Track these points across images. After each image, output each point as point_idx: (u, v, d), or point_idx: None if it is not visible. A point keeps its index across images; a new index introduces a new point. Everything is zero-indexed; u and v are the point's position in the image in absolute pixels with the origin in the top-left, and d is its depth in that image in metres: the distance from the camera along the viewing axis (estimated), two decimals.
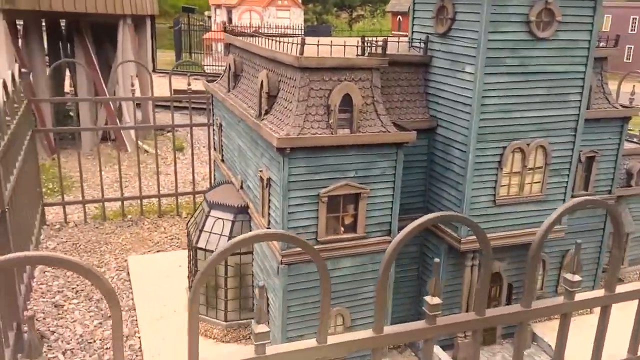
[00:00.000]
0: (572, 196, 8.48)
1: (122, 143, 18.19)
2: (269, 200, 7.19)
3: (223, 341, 8.44)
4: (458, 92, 7.45)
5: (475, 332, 3.25)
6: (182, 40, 39.08)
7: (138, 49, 20.22)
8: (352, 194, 6.98)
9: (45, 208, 12.63)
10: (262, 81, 7.46)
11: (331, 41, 7.17)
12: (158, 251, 11.31)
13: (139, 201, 13.09)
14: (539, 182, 7.71)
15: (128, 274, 10.31)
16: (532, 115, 7.46)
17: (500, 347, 8.20)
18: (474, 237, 7.42)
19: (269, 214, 7.24)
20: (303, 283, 6.96)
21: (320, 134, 6.71)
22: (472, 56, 7.18)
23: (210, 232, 8.24)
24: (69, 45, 21.05)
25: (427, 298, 2.99)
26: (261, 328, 2.55)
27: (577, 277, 3.24)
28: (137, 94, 18.76)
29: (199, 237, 8.30)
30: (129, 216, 12.94)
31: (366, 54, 7.39)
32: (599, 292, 3.50)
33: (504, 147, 7.37)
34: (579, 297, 3.31)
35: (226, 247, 2.38)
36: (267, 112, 7.35)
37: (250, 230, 8.13)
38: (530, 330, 8.33)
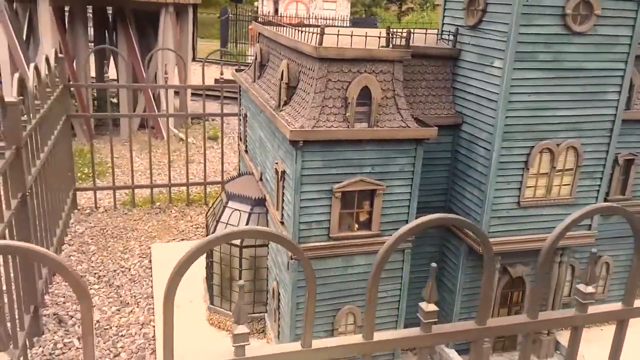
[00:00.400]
0: (606, 200, 8.05)
1: (158, 130, 18.37)
2: (283, 194, 7.02)
3: None
4: (485, 88, 7.11)
5: (477, 343, 3.01)
6: (228, 30, 39.27)
7: (179, 37, 20.36)
8: (367, 190, 6.75)
9: (78, 193, 12.81)
10: (282, 71, 7.29)
11: (352, 32, 6.93)
12: (182, 239, 11.32)
13: (168, 189, 13.15)
14: (568, 184, 7.30)
15: (150, 261, 10.35)
16: (564, 114, 7.05)
17: None
18: (496, 239, 7.11)
19: (282, 207, 7.08)
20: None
21: (336, 127, 6.49)
22: (501, 50, 6.82)
23: (227, 223, 8.15)
24: (114, 33, 21.39)
25: (422, 304, 2.80)
26: (241, 329, 2.43)
27: (590, 289, 2.99)
28: (175, 81, 18.96)
29: (215, 227, 8.21)
30: (158, 204, 13.01)
31: (390, 46, 7.12)
32: (616, 306, 3.26)
33: (531, 147, 6.99)
34: (593, 309, 3.07)
35: (197, 248, 2.28)
36: (285, 104, 7.18)
37: (267, 223, 8.01)
38: (553, 339, 7.94)
